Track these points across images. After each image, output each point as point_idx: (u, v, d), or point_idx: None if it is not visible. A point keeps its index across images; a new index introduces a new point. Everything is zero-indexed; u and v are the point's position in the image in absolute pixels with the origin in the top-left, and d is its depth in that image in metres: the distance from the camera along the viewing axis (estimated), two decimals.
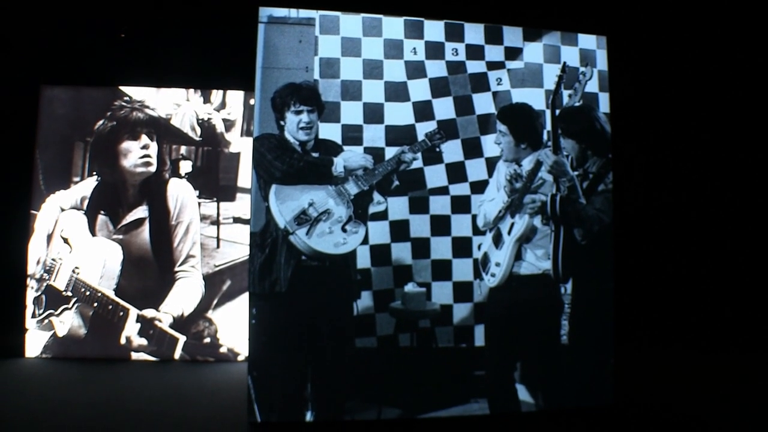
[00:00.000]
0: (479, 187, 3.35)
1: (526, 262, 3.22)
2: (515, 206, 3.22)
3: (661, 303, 5.12)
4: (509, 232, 3.22)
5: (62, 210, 4.59)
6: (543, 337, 3.26)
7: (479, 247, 3.31)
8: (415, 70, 3.33)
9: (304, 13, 3.24)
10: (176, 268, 4.58)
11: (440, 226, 3.33)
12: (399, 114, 3.29)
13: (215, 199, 4.72)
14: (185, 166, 4.70)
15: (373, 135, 3.25)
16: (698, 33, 5.03)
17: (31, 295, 4.55)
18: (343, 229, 3.12)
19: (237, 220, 4.72)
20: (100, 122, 4.62)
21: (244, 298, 4.47)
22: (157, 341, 4.45)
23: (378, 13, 3.31)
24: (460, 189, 3.36)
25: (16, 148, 4.65)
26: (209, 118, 4.77)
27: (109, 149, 4.58)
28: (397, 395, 3.20)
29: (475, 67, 3.39)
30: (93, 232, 4.54)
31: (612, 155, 3.29)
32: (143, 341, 4.43)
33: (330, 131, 3.21)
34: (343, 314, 3.17)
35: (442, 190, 3.35)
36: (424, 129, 3.30)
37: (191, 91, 4.79)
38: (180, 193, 4.64)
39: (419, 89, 3.33)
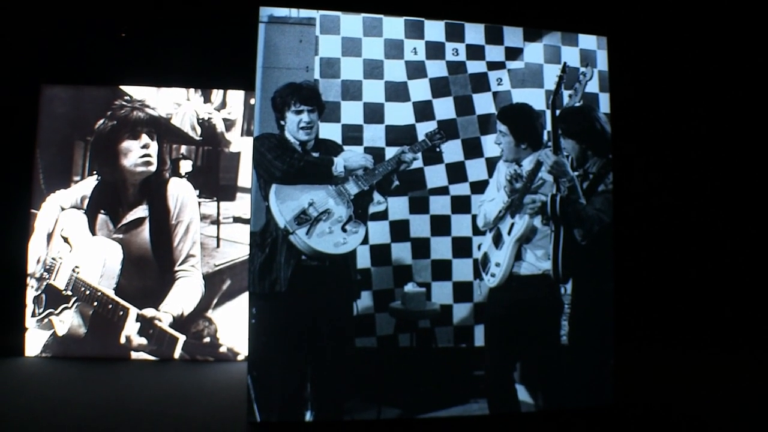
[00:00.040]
0: (479, 187, 3.35)
1: (526, 263, 3.22)
2: (515, 206, 3.22)
3: (661, 303, 5.12)
4: (509, 233, 3.22)
5: (62, 209, 4.59)
6: (543, 338, 3.26)
7: (479, 248, 3.31)
8: (416, 70, 3.33)
9: (305, 12, 3.24)
10: (176, 268, 4.58)
11: (440, 226, 3.33)
12: (399, 114, 3.29)
13: (215, 198, 4.72)
14: (185, 166, 4.70)
15: (374, 135, 3.25)
16: (698, 33, 5.03)
17: (31, 294, 4.56)
18: (343, 229, 3.12)
19: (237, 219, 4.72)
20: (101, 121, 4.63)
21: (244, 298, 4.47)
22: (156, 340, 4.45)
23: (378, 13, 3.31)
24: (460, 189, 3.36)
25: (17, 147, 4.65)
26: (209, 118, 4.77)
27: (109, 148, 4.59)
28: (396, 395, 3.20)
29: (475, 67, 3.39)
30: (93, 232, 4.54)
31: (612, 155, 3.29)
32: (143, 340, 4.43)
33: (330, 131, 3.21)
34: (343, 314, 3.17)
35: (442, 190, 3.35)
36: (424, 129, 3.29)
37: (192, 90, 4.79)
38: (180, 193, 4.64)
39: (419, 89, 3.33)
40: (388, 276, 3.27)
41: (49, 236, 4.58)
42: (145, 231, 4.56)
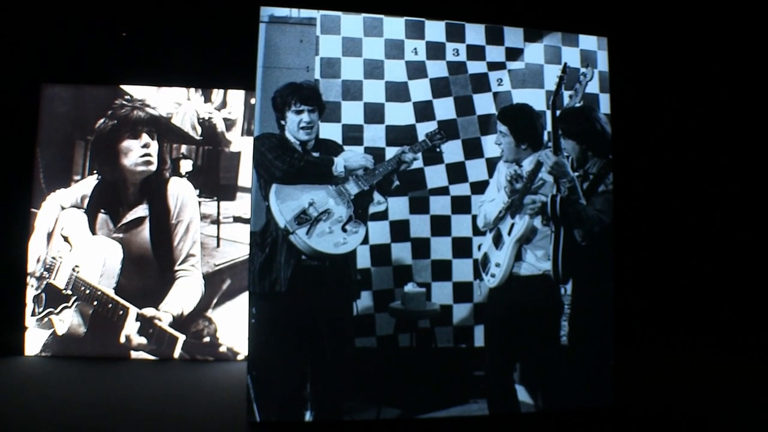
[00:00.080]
0: (479, 187, 3.35)
1: (526, 263, 3.22)
2: (515, 207, 3.22)
3: (661, 303, 5.13)
4: (509, 233, 3.22)
5: (63, 208, 4.59)
6: (543, 338, 3.26)
7: (479, 248, 3.31)
8: (416, 70, 3.33)
9: (305, 12, 3.25)
10: (176, 267, 4.58)
11: (440, 226, 3.33)
12: (400, 114, 3.29)
13: (215, 198, 4.72)
14: (186, 165, 4.70)
15: (374, 135, 3.25)
16: (698, 34, 5.03)
17: (31, 293, 4.56)
18: (343, 229, 3.12)
19: (237, 219, 4.72)
20: (101, 121, 4.63)
21: (243, 298, 4.47)
22: (156, 340, 4.45)
23: (379, 13, 3.31)
24: (461, 189, 3.36)
25: (17, 147, 4.65)
26: (210, 117, 4.77)
27: (109, 148, 4.59)
28: (396, 395, 3.20)
29: (475, 67, 3.39)
30: (93, 231, 4.54)
31: (612, 156, 3.29)
32: (143, 340, 4.43)
33: (330, 131, 3.21)
34: (343, 314, 3.17)
35: (443, 191, 3.35)
36: (424, 129, 3.30)
37: (192, 90, 4.79)
38: (180, 192, 4.64)
39: (420, 89, 3.33)
40: (388, 276, 3.28)
41: (50, 235, 4.58)
42: (145, 230, 4.56)
